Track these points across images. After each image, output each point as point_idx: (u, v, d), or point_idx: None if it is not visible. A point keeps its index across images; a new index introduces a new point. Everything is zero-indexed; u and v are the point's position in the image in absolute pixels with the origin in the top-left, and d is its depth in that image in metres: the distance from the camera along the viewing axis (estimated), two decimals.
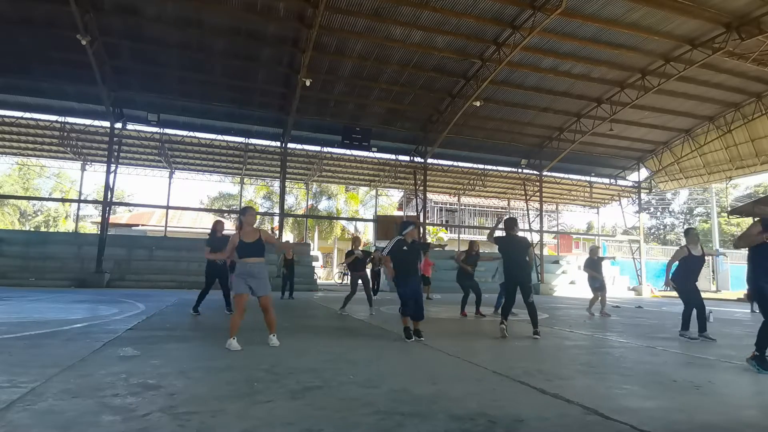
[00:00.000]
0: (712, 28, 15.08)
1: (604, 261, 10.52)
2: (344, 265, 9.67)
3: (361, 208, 34.79)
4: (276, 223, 28.15)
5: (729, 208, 30.25)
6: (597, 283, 10.27)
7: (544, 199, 25.12)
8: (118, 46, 15.78)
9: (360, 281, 9.57)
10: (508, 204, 33.10)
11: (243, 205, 30.06)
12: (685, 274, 6.52)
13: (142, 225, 33.44)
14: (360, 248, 9.55)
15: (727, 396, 3.43)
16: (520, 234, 6.74)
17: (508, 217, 7.09)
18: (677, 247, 6.85)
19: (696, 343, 6.11)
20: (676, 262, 6.57)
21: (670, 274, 6.72)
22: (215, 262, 8.23)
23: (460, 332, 7.07)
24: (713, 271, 28.90)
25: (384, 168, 24.04)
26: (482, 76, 17.10)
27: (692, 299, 6.47)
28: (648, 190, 28.06)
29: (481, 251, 10.04)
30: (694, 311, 6.42)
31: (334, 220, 33.00)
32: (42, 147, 21.68)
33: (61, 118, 18.80)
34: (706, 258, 6.65)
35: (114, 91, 17.41)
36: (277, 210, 22.65)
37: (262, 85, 18.28)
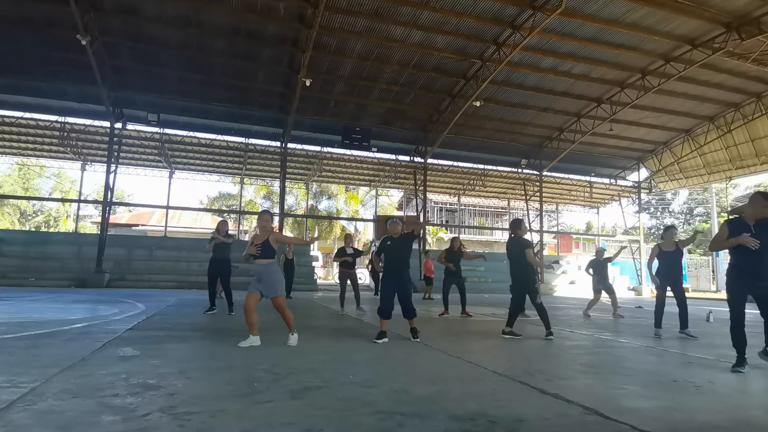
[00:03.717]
0: (712, 28, 15.08)
1: (608, 262, 10.49)
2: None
3: (361, 208, 34.80)
4: (276, 223, 28.14)
5: (729, 208, 30.23)
6: (602, 285, 10.26)
7: (544, 199, 25.12)
8: (118, 46, 15.79)
9: (348, 280, 9.59)
10: (508, 204, 33.08)
11: (243, 205, 30.14)
12: (659, 270, 6.82)
13: (142, 225, 33.43)
14: (354, 245, 9.52)
15: (727, 396, 3.42)
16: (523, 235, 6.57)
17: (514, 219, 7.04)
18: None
19: (695, 342, 6.11)
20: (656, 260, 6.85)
21: (653, 272, 6.96)
22: (216, 261, 8.29)
23: (460, 332, 7.06)
24: (713, 271, 28.90)
25: (384, 168, 24.05)
26: (482, 76, 17.10)
27: (663, 295, 6.77)
28: (648, 190, 28.06)
29: (468, 250, 9.96)
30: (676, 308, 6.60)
31: (334, 220, 32.99)
32: (42, 147, 21.70)
33: (61, 118, 18.81)
34: (681, 252, 6.93)
35: (114, 91, 17.41)
36: (277, 210, 22.68)
37: (262, 85, 18.28)
